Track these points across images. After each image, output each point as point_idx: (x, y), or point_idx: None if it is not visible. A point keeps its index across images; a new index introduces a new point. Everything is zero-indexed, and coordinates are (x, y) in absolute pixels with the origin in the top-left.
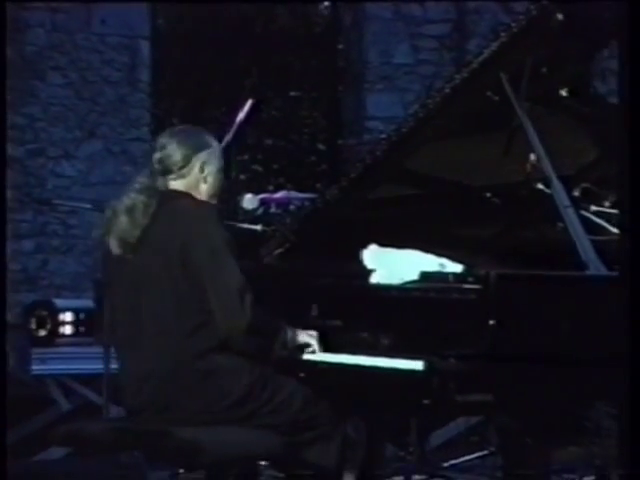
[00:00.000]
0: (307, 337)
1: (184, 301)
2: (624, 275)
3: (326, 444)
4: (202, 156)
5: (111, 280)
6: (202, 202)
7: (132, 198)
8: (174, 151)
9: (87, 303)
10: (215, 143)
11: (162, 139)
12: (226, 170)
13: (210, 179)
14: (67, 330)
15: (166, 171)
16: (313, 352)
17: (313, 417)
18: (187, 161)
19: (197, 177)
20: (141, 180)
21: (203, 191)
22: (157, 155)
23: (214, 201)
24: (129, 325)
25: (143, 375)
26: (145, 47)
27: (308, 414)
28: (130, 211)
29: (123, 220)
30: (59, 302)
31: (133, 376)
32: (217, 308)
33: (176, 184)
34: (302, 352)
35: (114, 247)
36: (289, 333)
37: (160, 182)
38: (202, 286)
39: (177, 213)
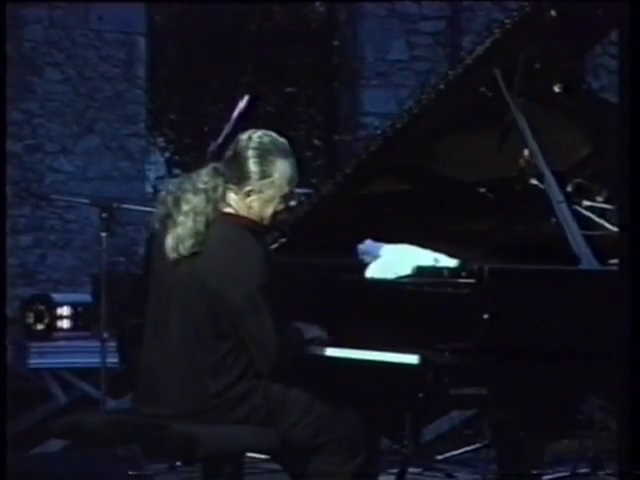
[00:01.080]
0: (317, 331)
1: (212, 329)
2: (624, 275)
3: (349, 456)
4: (255, 184)
5: (152, 272)
6: (248, 237)
7: (201, 205)
8: (237, 165)
9: (84, 297)
10: (278, 173)
11: (241, 142)
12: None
13: (255, 205)
14: (64, 324)
15: (227, 178)
16: (325, 343)
17: (334, 437)
18: (240, 182)
19: (243, 199)
20: (206, 180)
21: (251, 214)
22: (228, 154)
23: (266, 222)
24: (156, 328)
25: (161, 380)
26: (142, 43)
27: (327, 434)
28: (196, 216)
29: (189, 224)
30: (57, 296)
31: (148, 377)
32: (252, 347)
33: (231, 195)
34: (312, 345)
35: (169, 249)
36: (310, 329)
37: (221, 185)
38: (236, 328)
39: (224, 242)
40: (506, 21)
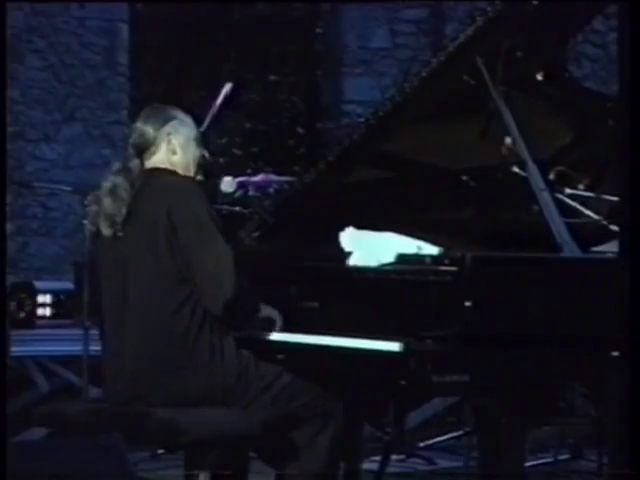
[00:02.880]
0: (271, 311)
1: (169, 277)
2: (624, 275)
3: (322, 424)
4: (166, 129)
5: (99, 262)
6: (184, 177)
7: (111, 180)
8: (142, 131)
9: (67, 285)
10: (181, 115)
11: (134, 123)
12: (206, 146)
13: (179, 150)
14: (47, 312)
15: (139, 152)
16: (275, 329)
17: (304, 402)
18: (154, 137)
19: (165, 151)
20: (117, 164)
21: (176, 163)
22: (131, 139)
23: (190, 173)
24: (116, 304)
25: (129, 354)
26: (124, 30)
27: (297, 399)
28: (112, 192)
29: (107, 201)
30: (39, 284)
31: (118, 355)
32: (202, 280)
33: (150, 163)
34: (263, 328)
35: (104, 228)
36: (267, 310)
37: (135, 162)
38: (187, 261)
39: (161, 189)
40: (489, 9)
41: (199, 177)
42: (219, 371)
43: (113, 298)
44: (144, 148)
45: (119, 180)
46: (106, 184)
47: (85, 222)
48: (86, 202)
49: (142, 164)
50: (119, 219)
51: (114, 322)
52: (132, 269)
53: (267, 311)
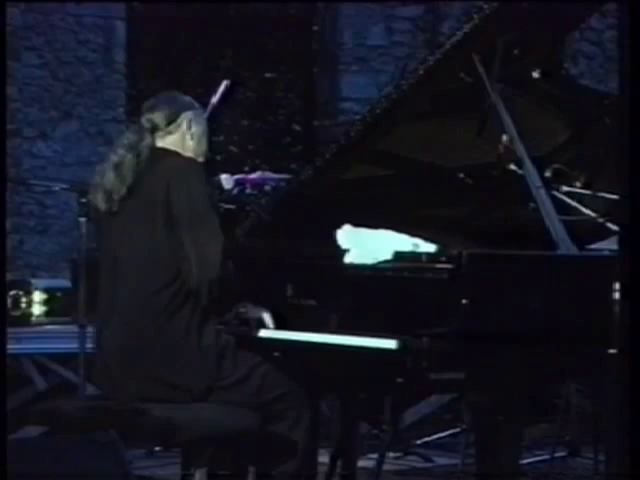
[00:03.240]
0: (263, 312)
1: (160, 254)
2: (624, 276)
3: (296, 418)
4: (189, 114)
5: (97, 236)
6: (189, 159)
7: (120, 155)
8: (162, 109)
9: (63, 283)
10: (199, 106)
11: (149, 102)
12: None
13: (197, 137)
14: (43, 310)
15: (154, 128)
16: (267, 328)
17: (281, 393)
18: (174, 117)
19: (184, 134)
20: (129, 136)
21: (190, 148)
22: (146, 115)
23: (201, 159)
24: (108, 282)
25: (116, 331)
26: (121, 28)
27: (274, 390)
28: (117, 167)
29: (110, 175)
30: (35, 282)
31: (107, 336)
32: (192, 256)
33: (164, 142)
34: (256, 328)
35: (100, 202)
36: (249, 306)
37: (148, 140)
38: (179, 239)
39: (163, 169)
40: (485, 6)
41: None
42: (196, 354)
43: (105, 275)
44: (160, 127)
45: (128, 157)
46: (114, 157)
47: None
48: (97, 172)
49: (154, 142)
50: (116, 196)
51: (105, 301)
52: (124, 244)
53: (257, 312)
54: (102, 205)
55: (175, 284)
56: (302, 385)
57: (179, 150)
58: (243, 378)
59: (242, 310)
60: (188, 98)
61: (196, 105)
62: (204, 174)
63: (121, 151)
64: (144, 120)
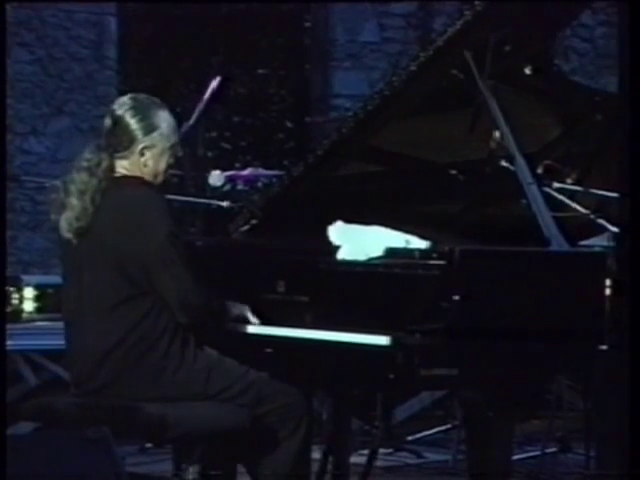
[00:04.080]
0: (241, 309)
1: (124, 293)
2: (624, 276)
3: (293, 428)
4: (145, 140)
5: (61, 259)
6: (148, 193)
7: (84, 181)
8: (121, 130)
9: (55, 279)
10: (165, 123)
11: (117, 110)
12: (191, 145)
13: (150, 163)
14: (34, 306)
15: (112, 149)
16: (251, 324)
17: (277, 405)
18: (129, 144)
19: (137, 161)
20: (89, 157)
21: (145, 173)
22: (105, 125)
23: (158, 180)
24: (73, 304)
25: (83, 355)
26: (112, 24)
27: (267, 400)
28: (82, 195)
29: (75, 204)
30: (27, 278)
31: (75, 354)
32: (170, 299)
33: (121, 163)
34: (239, 324)
35: (64, 231)
36: (239, 306)
37: (106, 159)
38: (149, 281)
39: (124, 204)
40: (477, 3)
41: (179, 172)
42: (179, 378)
43: (70, 301)
44: (119, 148)
45: (90, 184)
46: (79, 184)
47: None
48: (56, 183)
49: (112, 164)
50: (78, 223)
51: (72, 325)
52: (88, 275)
53: (237, 309)
54: (65, 234)
55: (148, 319)
56: (302, 394)
57: (136, 173)
58: (234, 393)
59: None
60: (154, 115)
61: (159, 124)
62: (162, 208)
63: (84, 176)
64: (105, 133)
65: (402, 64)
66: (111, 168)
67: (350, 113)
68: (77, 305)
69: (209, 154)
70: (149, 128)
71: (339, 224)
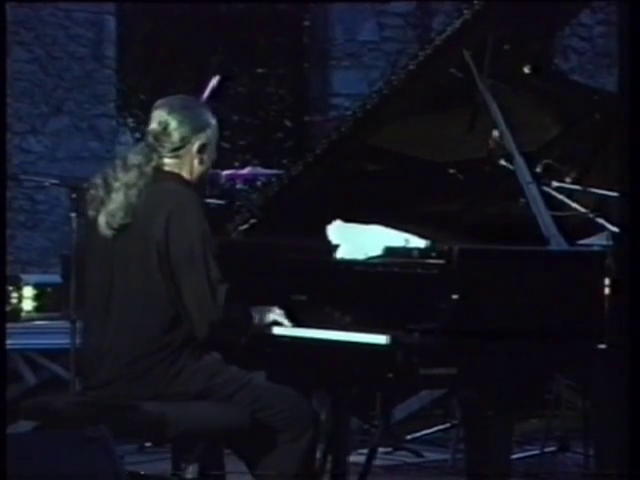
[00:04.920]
0: (275, 315)
1: (156, 291)
2: (624, 277)
3: (295, 435)
4: (202, 137)
5: (87, 252)
6: (186, 189)
7: (132, 177)
8: (173, 131)
9: (54, 278)
10: (214, 121)
11: (161, 113)
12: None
13: (206, 159)
14: (33, 305)
15: (162, 149)
16: (283, 326)
17: (274, 399)
18: (186, 142)
19: (192, 157)
20: (137, 157)
21: (196, 171)
22: (155, 128)
23: (205, 179)
24: (99, 302)
25: (105, 347)
26: (111, 23)
27: (268, 397)
28: (128, 190)
29: (120, 200)
30: (25, 277)
31: (96, 352)
32: (190, 304)
33: (170, 162)
34: (271, 328)
35: (103, 227)
36: (256, 316)
37: (154, 158)
38: (175, 280)
39: (161, 199)
40: (475, 2)
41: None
42: (185, 373)
43: (97, 295)
44: (170, 147)
45: (140, 182)
46: (124, 179)
47: (81, 210)
48: (95, 180)
49: (162, 162)
50: (119, 219)
51: (96, 320)
52: (120, 273)
53: (272, 316)
54: (104, 230)
55: (176, 323)
56: (307, 400)
57: (183, 172)
58: (237, 397)
59: (256, 323)
60: (204, 114)
61: (211, 121)
62: (199, 208)
63: (133, 173)
64: (152, 135)
65: (401, 63)
66: (159, 167)
67: (349, 112)
68: (105, 302)
69: None
70: (203, 125)
71: (338, 223)
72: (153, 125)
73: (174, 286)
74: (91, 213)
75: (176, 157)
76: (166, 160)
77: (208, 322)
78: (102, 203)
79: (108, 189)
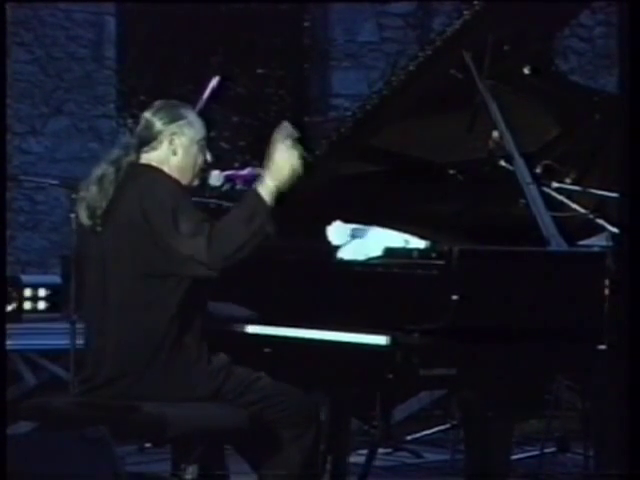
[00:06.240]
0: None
1: (147, 276)
2: (625, 276)
3: (297, 434)
4: (172, 128)
5: (80, 253)
6: (157, 173)
7: (103, 168)
8: (148, 123)
9: (54, 279)
10: (192, 116)
11: (146, 113)
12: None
13: (180, 151)
14: (33, 306)
15: (140, 144)
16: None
17: (279, 398)
18: (158, 133)
19: (167, 150)
20: (114, 152)
21: (173, 164)
22: (138, 128)
23: (188, 176)
24: (96, 299)
25: (109, 352)
26: (111, 24)
27: (273, 397)
28: (99, 181)
29: (93, 189)
30: (25, 278)
31: (99, 352)
32: (189, 257)
33: (148, 157)
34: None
35: (83, 217)
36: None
37: (133, 155)
38: (165, 246)
39: (140, 187)
40: (475, 3)
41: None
42: (193, 373)
43: (93, 293)
44: (146, 141)
45: (110, 170)
46: (97, 171)
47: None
48: (81, 186)
49: (138, 158)
50: (99, 211)
51: (95, 317)
52: (110, 267)
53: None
54: (85, 221)
55: (166, 304)
56: (310, 399)
57: (163, 166)
58: (244, 397)
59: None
60: (178, 109)
61: (185, 115)
62: (168, 181)
63: (104, 165)
64: (135, 135)
65: (401, 64)
66: (136, 161)
67: (349, 113)
68: (102, 301)
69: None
70: (175, 117)
71: (338, 224)
72: (139, 126)
73: (168, 253)
74: (75, 215)
75: (152, 150)
76: (143, 155)
77: (213, 260)
78: (82, 199)
79: (87, 184)
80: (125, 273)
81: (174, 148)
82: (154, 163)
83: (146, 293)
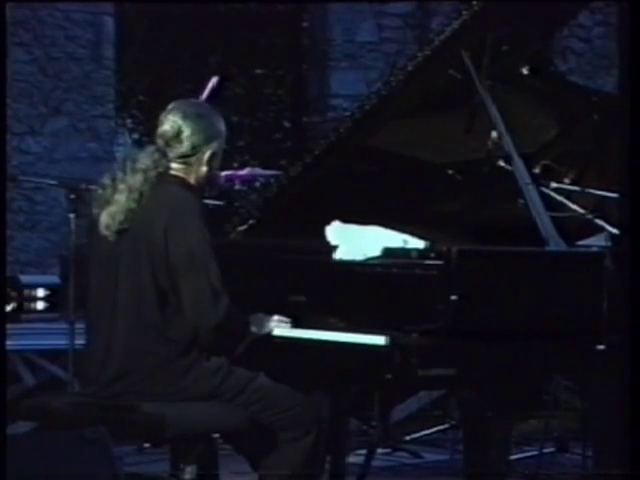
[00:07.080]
0: (274, 324)
1: (160, 292)
2: (625, 277)
3: (297, 435)
4: (213, 147)
5: (90, 253)
6: (188, 193)
7: (137, 180)
8: (186, 139)
9: (52, 279)
10: (224, 126)
11: (175, 118)
12: None
13: (214, 164)
14: (32, 306)
15: (172, 154)
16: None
17: (279, 399)
18: (197, 151)
19: (201, 165)
20: (145, 161)
21: (201, 174)
22: (167, 133)
23: (206, 184)
24: (104, 298)
25: (113, 346)
26: (110, 24)
27: (272, 397)
28: (130, 194)
29: (122, 202)
30: (24, 278)
31: (104, 355)
32: (191, 308)
33: (177, 167)
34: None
35: (102, 227)
36: (254, 326)
37: (163, 163)
38: (176, 284)
39: (162, 202)
40: (474, 3)
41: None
42: (193, 372)
43: (102, 293)
44: (182, 155)
45: (145, 187)
46: (131, 181)
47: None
48: (104, 180)
49: (169, 167)
50: (120, 218)
51: (102, 318)
52: (125, 270)
53: (270, 325)
54: (104, 230)
55: (178, 319)
56: (312, 400)
57: (188, 175)
58: (242, 397)
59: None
60: (216, 123)
61: (221, 130)
62: (199, 210)
63: (139, 177)
64: (162, 139)
65: (400, 64)
66: (166, 171)
67: (348, 113)
68: (111, 302)
69: None
70: (215, 134)
71: (337, 224)
72: (165, 128)
73: (175, 290)
74: (95, 212)
75: (184, 163)
76: (173, 165)
77: (209, 327)
78: (107, 203)
79: (114, 190)
80: (138, 277)
81: (211, 166)
82: (182, 174)
83: (156, 295)
